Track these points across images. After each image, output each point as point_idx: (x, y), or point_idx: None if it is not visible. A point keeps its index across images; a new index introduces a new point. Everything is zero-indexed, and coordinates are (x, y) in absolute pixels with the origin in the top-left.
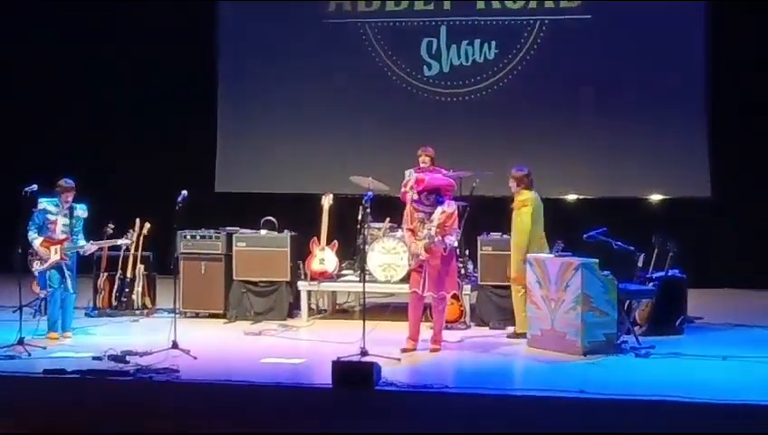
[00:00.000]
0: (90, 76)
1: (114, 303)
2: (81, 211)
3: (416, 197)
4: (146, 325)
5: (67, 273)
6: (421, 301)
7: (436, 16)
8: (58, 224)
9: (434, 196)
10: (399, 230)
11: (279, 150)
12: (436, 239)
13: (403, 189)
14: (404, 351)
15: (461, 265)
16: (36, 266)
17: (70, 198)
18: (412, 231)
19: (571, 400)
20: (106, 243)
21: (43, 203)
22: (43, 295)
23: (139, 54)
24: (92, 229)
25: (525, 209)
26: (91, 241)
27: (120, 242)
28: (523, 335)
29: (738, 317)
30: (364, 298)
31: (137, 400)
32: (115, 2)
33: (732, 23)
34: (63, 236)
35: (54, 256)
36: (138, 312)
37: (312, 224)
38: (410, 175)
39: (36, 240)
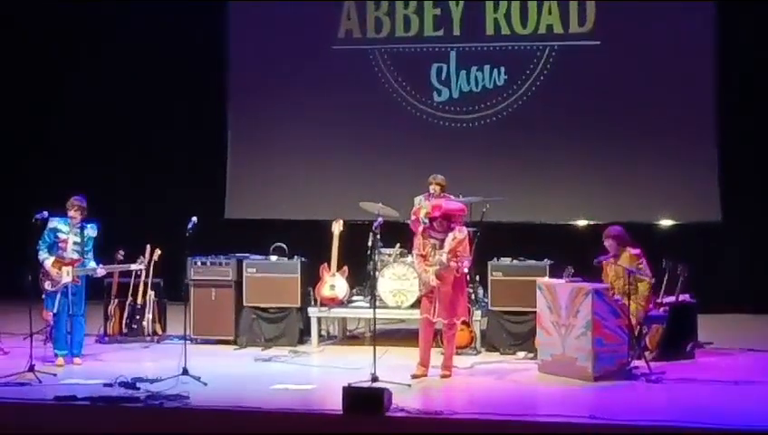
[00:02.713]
0: (100, 101)
1: (125, 329)
2: (92, 230)
3: (427, 223)
4: (156, 352)
5: (71, 297)
6: (432, 326)
7: (445, 42)
8: (69, 242)
9: (446, 222)
10: (410, 256)
11: (289, 177)
12: (450, 265)
13: (413, 217)
14: (414, 377)
15: (471, 290)
16: (48, 287)
17: (78, 216)
18: (423, 257)
19: (582, 425)
20: (117, 268)
21: (54, 222)
22: (51, 320)
23: (150, 79)
24: (103, 256)
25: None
26: (101, 265)
27: (132, 268)
28: None
29: (749, 342)
30: (375, 324)
31: (147, 426)
32: (127, 33)
33: (742, 48)
34: (75, 257)
35: (66, 277)
36: (148, 338)
37: (322, 250)
38: (420, 202)
39: (48, 260)
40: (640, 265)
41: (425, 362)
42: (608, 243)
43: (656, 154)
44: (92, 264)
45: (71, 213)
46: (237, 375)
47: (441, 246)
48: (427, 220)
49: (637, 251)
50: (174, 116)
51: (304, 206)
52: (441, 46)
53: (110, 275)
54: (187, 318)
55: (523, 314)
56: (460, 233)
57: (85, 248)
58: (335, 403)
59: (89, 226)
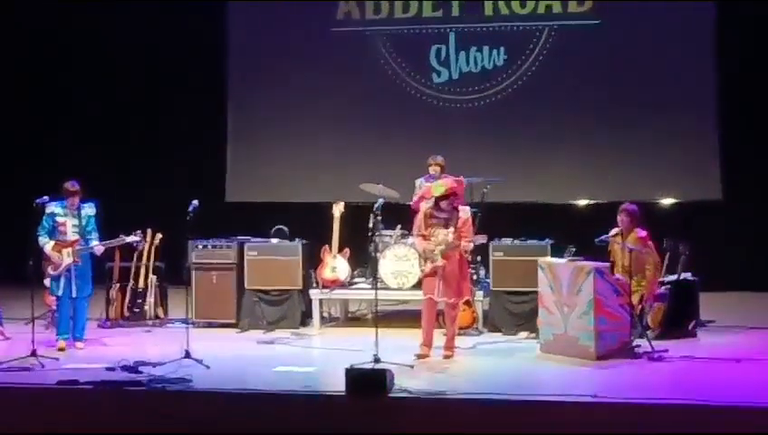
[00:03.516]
0: (102, 87)
1: (127, 313)
2: (90, 209)
3: (433, 204)
4: (158, 336)
5: (74, 281)
6: (435, 306)
7: (444, 23)
8: (68, 226)
9: (454, 199)
10: (410, 237)
11: (289, 159)
12: (461, 243)
13: (416, 198)
14: (417, 357)
15: (473, 271)
16: (51, 271)
17: (76, 201)
18: (424, 236)
19: (585, 404)
20: (113, 242)
21: (50, 207)
22: (54, 305)
23: (151, 64)
24: (105, 240)
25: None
26: (99, 242)
27: (128, 240)
28: None
29: (751, 320)
30: (376, 305)
31: (150, 410)
32: (128, 18)
33: (742, 25)
34: (75, 238)
35: (67, 259)
36: (150, 322)
37: (323, 232)
38: (421, 184)
39: (48, 244)
40: (648, 250)
41: (428, 343)
42: (620, 218)
43: (656, 133)
44: (94, 241)
45: (69, 200)
46: (240, 358)
47: (446, 226)
48: (432, 201)
49: (643, 234)
50: (174, 100)
51: (305, 188)
52: (440, 27)
53: (111, 259)
54: (189, 302)
55: (525, 294)
56: (464, 213)
57: (87, 228)
58: (338, 385)
59: (86, 205)
